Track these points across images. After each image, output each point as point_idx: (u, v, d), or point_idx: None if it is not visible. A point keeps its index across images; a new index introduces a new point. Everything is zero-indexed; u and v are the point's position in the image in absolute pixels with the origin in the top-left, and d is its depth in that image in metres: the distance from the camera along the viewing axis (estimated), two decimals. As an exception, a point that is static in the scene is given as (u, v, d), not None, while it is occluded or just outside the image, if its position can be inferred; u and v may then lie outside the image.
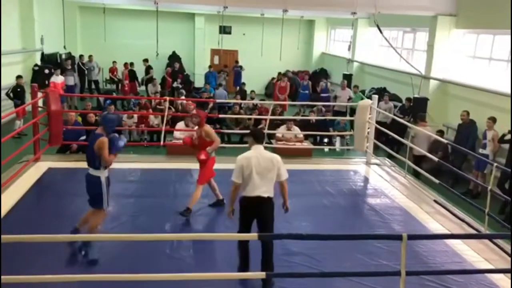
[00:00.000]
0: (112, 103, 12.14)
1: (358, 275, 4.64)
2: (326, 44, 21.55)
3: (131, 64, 16.56)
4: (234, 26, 20.00)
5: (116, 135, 5.05)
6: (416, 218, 6.63)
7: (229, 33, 19.97)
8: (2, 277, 3.50)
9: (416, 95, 12.17)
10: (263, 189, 4.58)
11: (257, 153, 4.65)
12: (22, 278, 3.75)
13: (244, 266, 4.67)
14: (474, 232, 6.10)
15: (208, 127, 6.32)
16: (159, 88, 15.28)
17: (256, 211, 4.63)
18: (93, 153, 4.85)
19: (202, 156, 6.08)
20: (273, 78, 19.54)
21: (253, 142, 4.80)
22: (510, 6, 8.95)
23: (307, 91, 16.37)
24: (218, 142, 6.25)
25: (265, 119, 10.20)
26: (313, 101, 14.48)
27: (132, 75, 16.27)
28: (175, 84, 16.62)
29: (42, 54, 15.07)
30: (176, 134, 10.07)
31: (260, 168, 4.57)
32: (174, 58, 19.47)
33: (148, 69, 16.87)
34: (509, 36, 9.59)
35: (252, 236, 3.96)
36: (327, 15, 19.38)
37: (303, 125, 11.38)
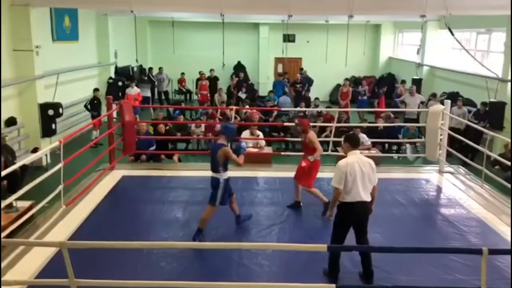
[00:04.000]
0: (181, 114, 12.55)
1: (433, 290, 4.43)
2: (393, 48, 20.96)
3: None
4: (298, 34, 20.06)
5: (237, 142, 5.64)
6: (495, 230, 6.22)
7: (293, 41, 20.05)
8: (78, 280, 3.70)
9: (492, 99, 11.47)
10: (366, 194, 4.67)
11: (357, 159, 4.71)
12: (93, 282, 3.92)
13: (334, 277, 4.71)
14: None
15: (312, 134, 6.44)
16: (225, 98, 15.61)
17: (359, 217, 4.68)
18: (216, 160, 5.57)
19: (303, 164, 6.21)
20: (338, 85, 19.31)
21: (349, 148, 4.83)
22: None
23: (365, 97, 16.00)
24: (320, 150, 6.38)
25: (331, 127, 10.05)
26: (387, 107, 14.13)
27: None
28: (240, 94, 16.91)
29: (116, 67, 15.90)
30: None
31: (362, 173, 4.64)
32: (239, 67, 19.80)
33: (214, 79, 17.33)
34: None
35: (321, 247, 3.91)
36: (394, 19, 18.86)
37: (370, 132, 11.09)
